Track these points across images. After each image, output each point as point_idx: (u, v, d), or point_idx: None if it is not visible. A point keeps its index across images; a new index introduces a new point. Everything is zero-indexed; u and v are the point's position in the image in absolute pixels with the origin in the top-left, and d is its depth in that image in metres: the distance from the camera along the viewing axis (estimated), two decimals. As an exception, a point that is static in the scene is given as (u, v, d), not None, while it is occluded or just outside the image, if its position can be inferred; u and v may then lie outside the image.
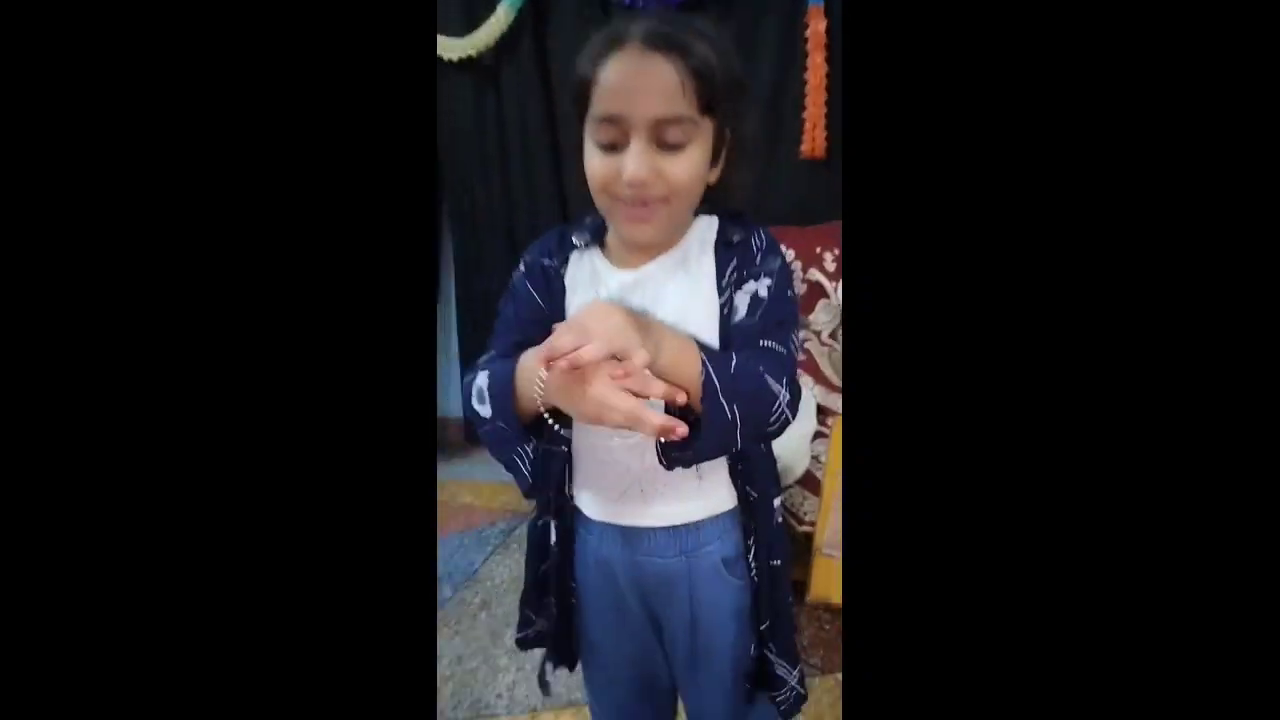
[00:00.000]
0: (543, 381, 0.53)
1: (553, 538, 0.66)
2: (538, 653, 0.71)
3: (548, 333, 0.54)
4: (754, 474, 0.63)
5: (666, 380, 0.53)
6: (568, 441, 0.62)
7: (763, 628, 0.65)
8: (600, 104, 0.54)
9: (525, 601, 0.73)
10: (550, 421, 0.57)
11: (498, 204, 2.10)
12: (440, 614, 1.54)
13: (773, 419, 0.56)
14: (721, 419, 0.52)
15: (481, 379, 0.60)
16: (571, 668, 0.72)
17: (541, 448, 0.61)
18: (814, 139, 1.75)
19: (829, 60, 1.69)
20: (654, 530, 0.63)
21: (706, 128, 0.56)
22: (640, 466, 0.61)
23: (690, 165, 0.55)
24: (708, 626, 0.66)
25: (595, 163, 0.56)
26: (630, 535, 0.64)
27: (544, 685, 0.72)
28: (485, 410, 0.59)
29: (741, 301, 0.58)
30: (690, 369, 0.53)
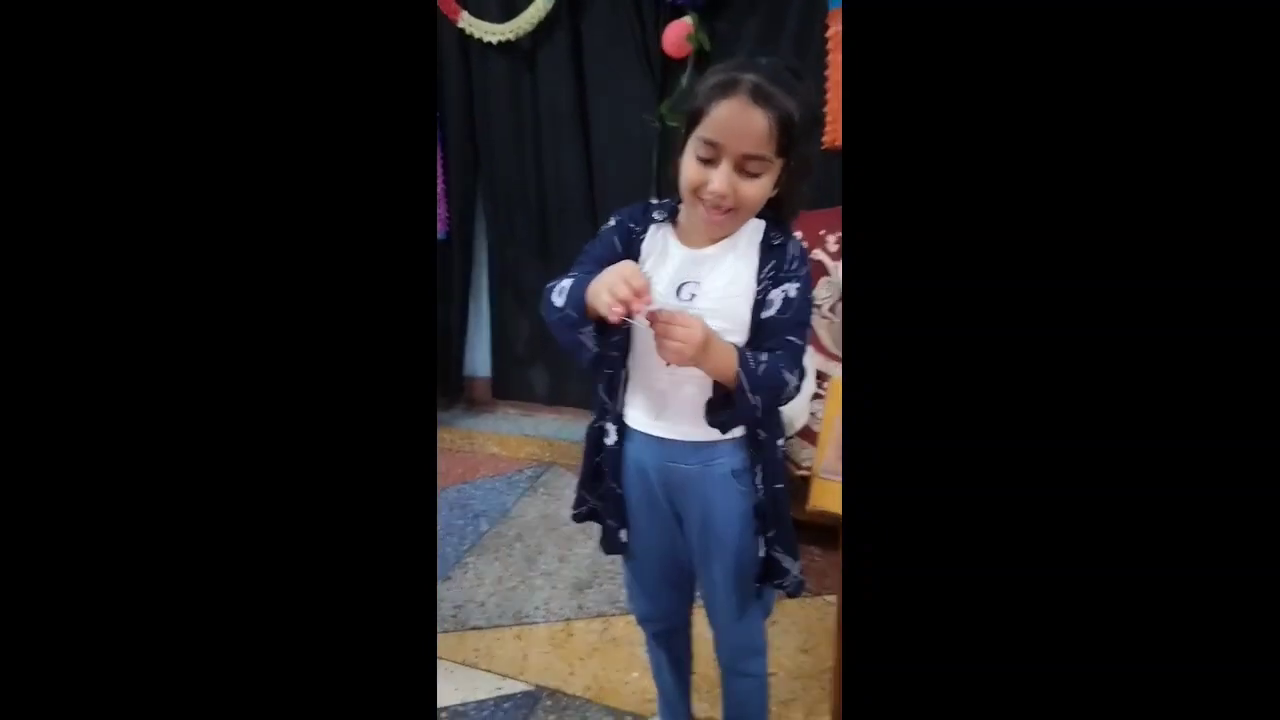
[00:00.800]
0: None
1: (609, 439, 0.88)
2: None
3: None
4: (765, 421, 0.84)
5: (711, 373, 0.75)
6: (622, 355, 0.82)
7: (770, 535, 0.86)
8: (706, 130, 0.73)
9: (581, 484, 0.96)
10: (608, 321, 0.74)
11: (529, 182, 2.27)
12: (480, 544, 1.76)
13: (784, 399, 0.80)
14: (748, 405, 0.75)
15: (565, 281, 0.79)
16: (626, 528, 0.93)
17: (600, 340, 0.78)
18: (835, 131, 1.92)
19: (844, 59, 1.85)
20: (679, 442, 0.84)
21: (778, 164, 0.75)
22: (675, 395, 0.83)
23: (759, 189, 0.76)
24: (717, 522, 0.87)
25: (692, 170, 0.76)
26: (661, 444, 0.85)
27: (618, 546, 0.94)
28: (560, 300, 0.78)
29: (776, 297, 0.78)
30: (729, 371, 0.74)
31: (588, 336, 0.78)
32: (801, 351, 0.80)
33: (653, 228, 0.85)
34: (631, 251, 0.84)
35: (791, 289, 0.78)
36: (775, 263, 0.79)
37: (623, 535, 0.93)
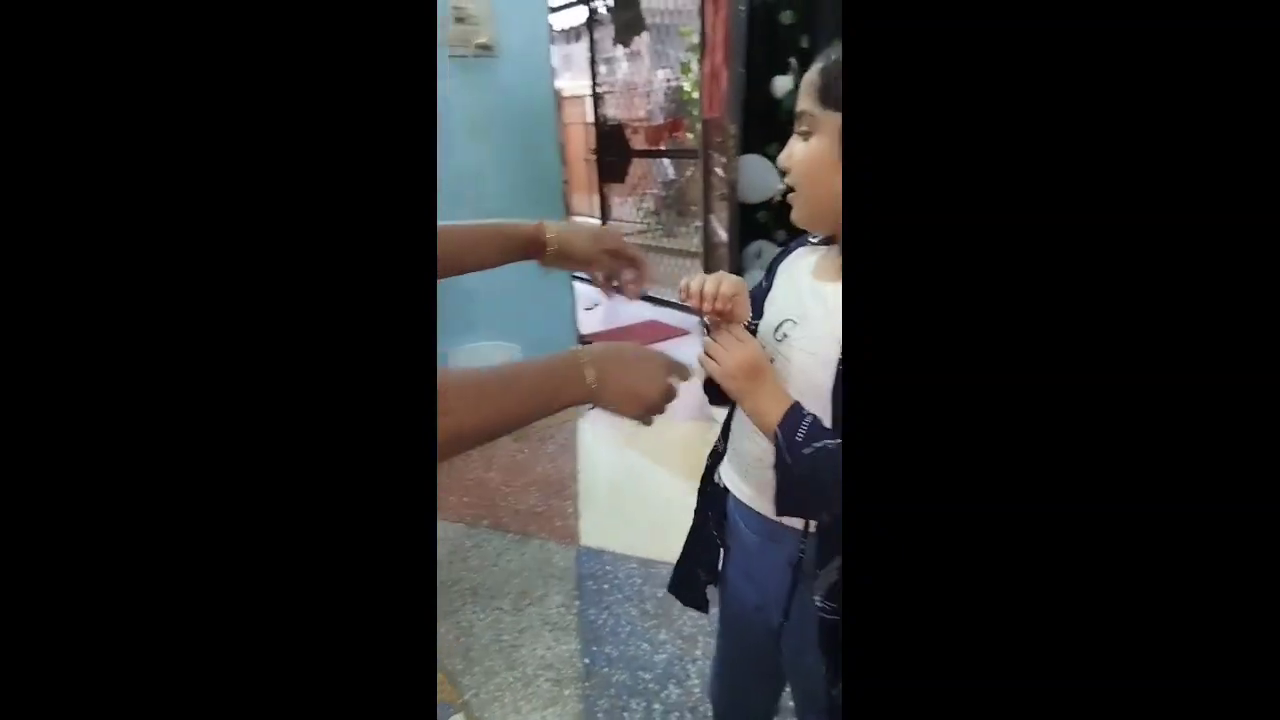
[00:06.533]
0: None
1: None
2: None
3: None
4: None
5: (751, 415, 0.60)
6: None
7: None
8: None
9: None
10: None
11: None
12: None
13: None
14: (788, 476, 0.58)
15: None
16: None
17: None
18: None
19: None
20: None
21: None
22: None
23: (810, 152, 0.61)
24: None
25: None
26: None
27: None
28: None
29: None
30: (766, 425, 0.58)
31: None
32: None
33: (803, 249, 0.69)
34: (770, 270, 0.72)
35: None
36: None
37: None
